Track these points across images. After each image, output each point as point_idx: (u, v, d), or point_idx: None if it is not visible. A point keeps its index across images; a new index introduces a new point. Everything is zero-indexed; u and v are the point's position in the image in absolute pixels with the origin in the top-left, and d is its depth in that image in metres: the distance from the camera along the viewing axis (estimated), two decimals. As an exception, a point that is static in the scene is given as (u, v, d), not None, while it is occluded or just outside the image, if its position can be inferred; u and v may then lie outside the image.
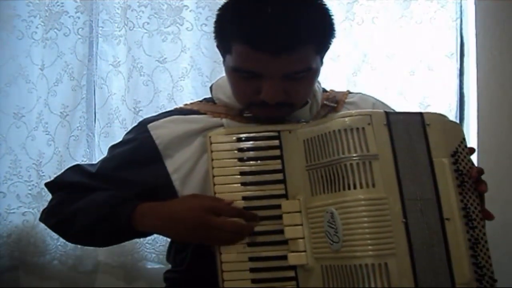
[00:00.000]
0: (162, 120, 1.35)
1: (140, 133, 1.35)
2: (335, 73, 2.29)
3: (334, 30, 1.26)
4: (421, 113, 1.20)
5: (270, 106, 1.23)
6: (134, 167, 1.33)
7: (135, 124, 1.44)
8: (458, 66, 2.32)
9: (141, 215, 1.25)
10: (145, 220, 1.25)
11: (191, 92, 2.30)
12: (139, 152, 1.33)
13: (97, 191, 1.32)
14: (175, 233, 1.26)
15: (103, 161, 1.40)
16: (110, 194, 1.30)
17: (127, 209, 1.25)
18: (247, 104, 1.28)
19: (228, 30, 1.23)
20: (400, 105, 2.14)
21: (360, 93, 1.50)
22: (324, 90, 1.45)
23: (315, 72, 1.26)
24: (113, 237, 1.35)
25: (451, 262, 1.13)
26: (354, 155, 1.11)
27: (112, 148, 1.42)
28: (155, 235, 2.23)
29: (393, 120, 1.16)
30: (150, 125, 1.34)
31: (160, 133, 1.32)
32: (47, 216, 1.40)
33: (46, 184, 1.44)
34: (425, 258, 1.11)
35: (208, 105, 1.39)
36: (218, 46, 1.30)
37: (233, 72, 1.25)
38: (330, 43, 1.27)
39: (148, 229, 1.28)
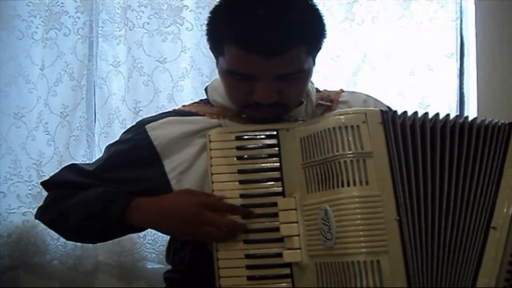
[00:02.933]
0: (160, 121, 1.35)
1: (138, 134, 1.35)
2: (335, 73, 2.28)
3: (325, 31, 1.26)
4: (511, 123, 1.23)
5: (264, 107, 1.23)
6: (132, 168, 1.33)
7: (133, 124, 1.44)
8: (458, 66, 2.31)
9: (134, 210, 1.25)
10: (138, 215, 1.25)
11: (191, 92, 2.30)
12: (136, 153, 1.33)
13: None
14: (169, 228, 1.27)
15: (100, 160, 1.40)
16: (103, 190, 1.30)
17: (120, 205, 1.25)
18: (242, 105, 1.29)
19: (220, 32, 1.23)
20: (400, 105, 2.13)
21: (352, 91, 1.50)
22: (318, 90, 1.45)
23: (307, 73, 1.26)
24: (107, 233, 1.35)
25: (480, 268, 1.14)
26: (349, 152, 1.12)
27: (109, 147, 1.41)
28: (155, 235, 2.25)
29: (388, 119, 1.16)
30: (148, 126, 1.34)
31: (158, 134, 1.32)
32: (41, 214, 1.40)
33: (42, 183, 1.44)
34: (423, 257, 1.11)
35: (206, 107, 1.39)
36: (211, 48, 1.30)
37: (227, 74, 1.25)
38: (322, 44, 1.27)
39: (141, 224, 1.28)
